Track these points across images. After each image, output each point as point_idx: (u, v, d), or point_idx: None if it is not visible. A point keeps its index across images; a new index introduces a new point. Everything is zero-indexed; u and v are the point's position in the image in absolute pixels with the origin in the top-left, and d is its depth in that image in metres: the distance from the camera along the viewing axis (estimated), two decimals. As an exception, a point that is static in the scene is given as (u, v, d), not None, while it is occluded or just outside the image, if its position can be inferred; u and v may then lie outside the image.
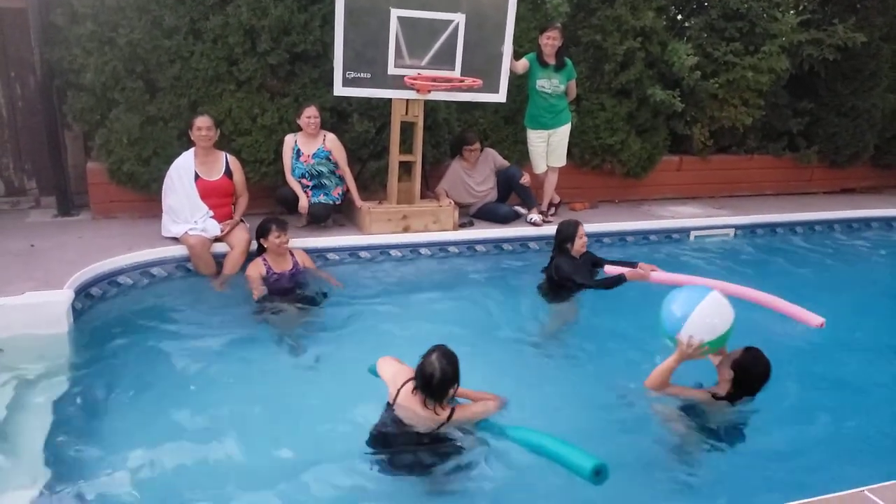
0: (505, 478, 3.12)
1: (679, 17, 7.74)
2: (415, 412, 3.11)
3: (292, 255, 5.13)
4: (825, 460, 3.44)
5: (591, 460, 2.87)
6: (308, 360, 4.21)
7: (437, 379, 3.03)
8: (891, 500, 2.54)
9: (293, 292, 4.96)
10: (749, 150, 8.51)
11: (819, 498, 2.53)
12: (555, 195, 6.92)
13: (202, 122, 5.28)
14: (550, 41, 6.18)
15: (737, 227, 7.36)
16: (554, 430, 3.17)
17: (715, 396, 3.45)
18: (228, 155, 5.56)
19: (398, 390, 3.19)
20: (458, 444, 3.15)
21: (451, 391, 3.11)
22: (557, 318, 4.99)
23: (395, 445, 3.14)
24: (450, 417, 3.11)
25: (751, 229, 7.45)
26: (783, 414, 3.77)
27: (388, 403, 3.22)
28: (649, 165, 7.80)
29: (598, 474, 2.84)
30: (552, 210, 6.92)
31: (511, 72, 6.14)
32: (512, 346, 4.58)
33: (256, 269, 4.93)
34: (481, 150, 6.67)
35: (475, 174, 6.67)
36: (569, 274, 4.87)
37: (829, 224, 7.85)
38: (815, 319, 4.34)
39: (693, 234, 7.12)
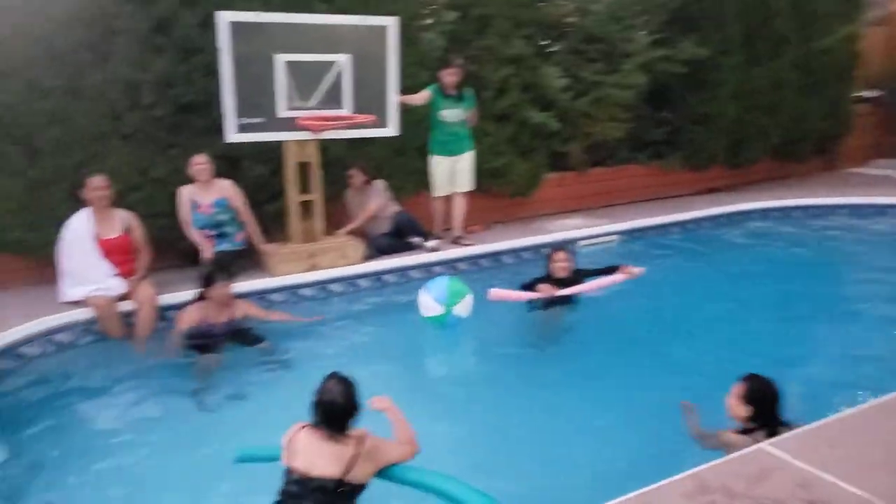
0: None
1: (545, 42, 8.29)
2: (316, 448, 2.87)
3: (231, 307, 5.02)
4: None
5: None
6: (226, 411, 4.19)
7: (339, 406, 2.87)
8: (788, 449, 2.72)
9: (222, 341, 4.85)
10: (621, 162, 9.18)
11: (727, 458, 2.74)
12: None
13: (98, 181, 5.16)
14: (451, 77, 6.66)
15: (619, 234, 7.94)
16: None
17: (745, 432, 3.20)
18: (123, 211, 5.44)
19: (290, 441, 2.95)
20: None
21: (353, 417, 2.94)
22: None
23: None
24: (358, 447, 2.88)
25: (630, 234, 8.04)
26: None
27: (286, 470, 2.91)
28: (534, 184, 8.27)
29: None
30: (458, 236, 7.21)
31: (406, 105, 6.48)
32: (437, 372, 4.81)
33: (188, 318, 4.77)
34: (368, 181, 6.73)
35: (365, 200, 6.77)
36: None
37: (698, 221, 8.62)
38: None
39: (581, 243, 7.59)
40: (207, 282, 4.89)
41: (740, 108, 9.62)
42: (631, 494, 2.41)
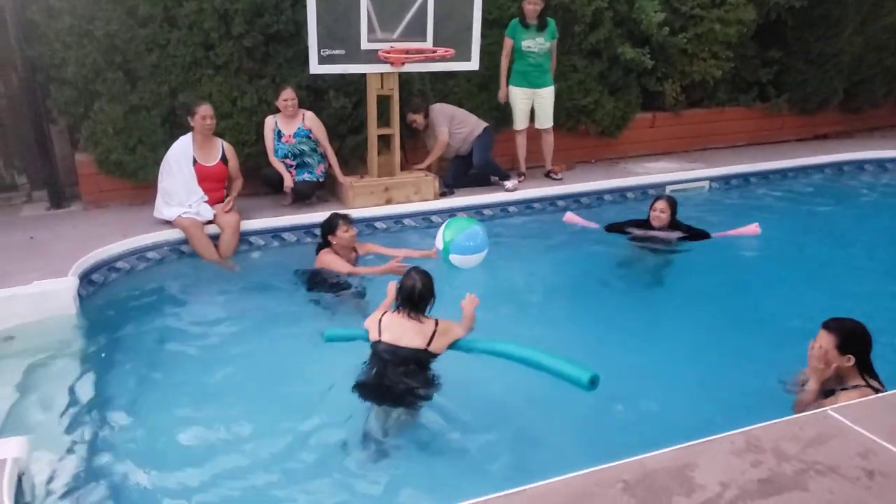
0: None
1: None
2: (401, 325, 3.46)
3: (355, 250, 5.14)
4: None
5: (586, 372, 3.05)
6: (307, 330, 4.34)
7: (418, 290, 3.45)
8: (852, 416, 2.55)
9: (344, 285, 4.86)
10: (720, 103, 8.68)
11: (786, 419, 2.59)
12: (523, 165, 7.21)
13: (206, 110, 5.47)
14: (532, 6, 6.58)
15: (711, 180, 7.60)
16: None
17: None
18: (224, 142, 5.75)
19: (379, 321, 3.51)
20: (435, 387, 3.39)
21: (430, 304, 3.52)
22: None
23: (385, 378, 3.33)
24: (436, 325, 3.46)
25: (725, 181, 7.68)
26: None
27: (373, 343, 3.49)
28: (623, 124, 7.99)
29: (593, 383, 3.03)
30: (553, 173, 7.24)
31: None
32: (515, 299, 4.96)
33: (332, 264, 4.86)
34: (425, 117, 6.64)
35: (428, 137, 6.83)
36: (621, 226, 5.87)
37: (803, 170, 8.09)
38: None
39: (668, 188, 7.33)
40: (330, 228, 4.94)
41: (864, 45, 8.84)
42: (678, 447, 2.35)
